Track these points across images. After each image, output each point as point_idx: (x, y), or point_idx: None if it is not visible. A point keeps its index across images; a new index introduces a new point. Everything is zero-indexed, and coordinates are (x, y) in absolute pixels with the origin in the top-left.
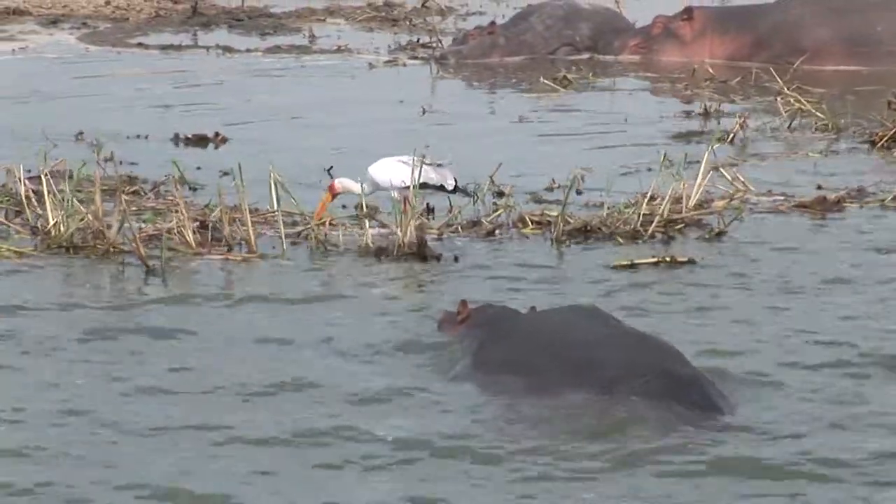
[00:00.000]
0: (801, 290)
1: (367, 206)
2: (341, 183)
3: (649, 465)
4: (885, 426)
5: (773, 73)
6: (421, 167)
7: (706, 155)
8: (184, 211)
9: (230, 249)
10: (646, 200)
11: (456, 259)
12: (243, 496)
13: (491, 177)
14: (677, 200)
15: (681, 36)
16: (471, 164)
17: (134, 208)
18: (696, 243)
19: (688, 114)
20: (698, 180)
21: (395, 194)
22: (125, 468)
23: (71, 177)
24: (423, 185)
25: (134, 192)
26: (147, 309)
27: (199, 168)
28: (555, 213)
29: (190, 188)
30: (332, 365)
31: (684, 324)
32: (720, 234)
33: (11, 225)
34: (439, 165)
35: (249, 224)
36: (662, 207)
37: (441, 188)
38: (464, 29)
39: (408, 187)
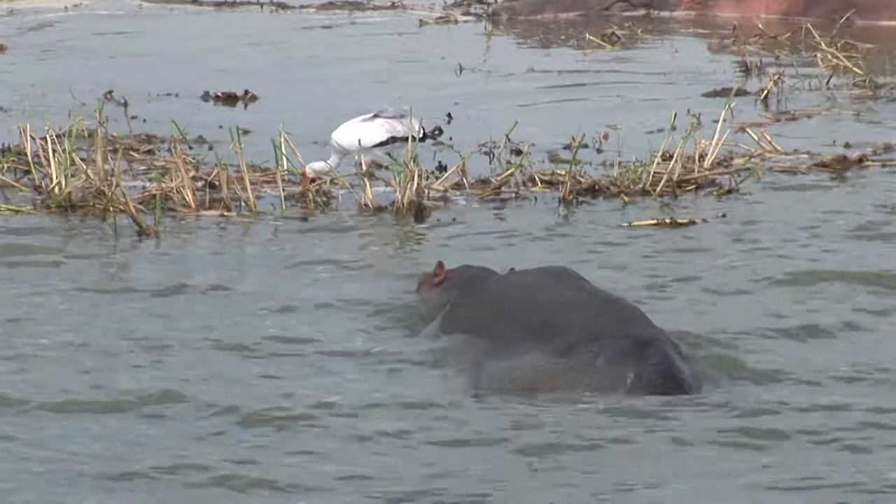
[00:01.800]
0: (794, 255)
1: (368, 165)
2: (311, 168)
3: (601, 429)
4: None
5: (815, 29)
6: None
7: (723, 113)
8: (183, 171)
9: (229, 209)
10: (656, 160)
11: (453, 219)
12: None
13: (507, 135)
14: (694, 160)
15: None
16: (498, 123)
17: (143, 167)
18: (706, 203)
19: (729, 70)
20: (714, 139)
21: (362, 157)
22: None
23: (70, 135)
24: (392, 140)
25: (148, 151)
26: (129, 268)
27: (220, 126)
28: (561, 172)
29: (209, 147)
30: (301, 323)
31: (666, 288)
32: (730, 192)
33: (16, 184)
34: (402, 116)
35: (248, 184)
36: (671, 167)
37: (410, 139)
38: None
39: (379, 145)
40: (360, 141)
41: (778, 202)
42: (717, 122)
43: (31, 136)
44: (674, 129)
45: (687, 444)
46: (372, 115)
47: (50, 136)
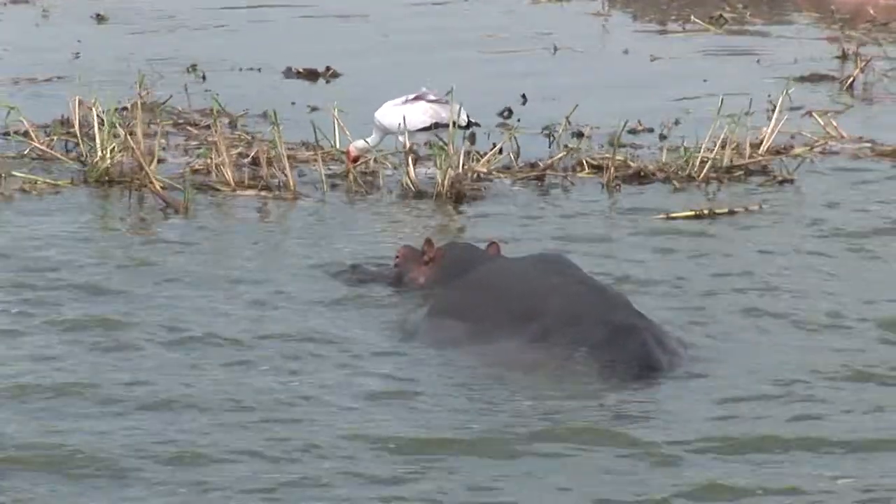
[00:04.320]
0: (829, 253)
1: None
2: (355, 146)
3: (569, 414)
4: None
5: None
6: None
7: (780, 98)
8: (223, 148)
9: (269, 189)
10: (703, 146)
11: (473, 205)
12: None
13: (567, 118)
14: (751, 146)
15: None
16: (576, 104)
17: (196, 143)
18: (754, 191)
19: (826, 56)
20: (771, 125)
21: (402, 138)
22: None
23: (124, 109)
24: (436, 125)
25: (207, 126)
26: (145, 245)
27: (293, 103)
28: (619, 158)
29: (271, 123)
30: (290, 314)
31: (662, 284)
32: (783, 181)
33: (61, 157)
34: (445, 101)
35: (287, 165)
36: (715, 153)
37: (453, 124)
38: None
39: (422, 129)
40: (403, 122)
41: (827, 192)
42: (797, 108)
43: (90, 107)
44: (748, 114)
45: (647, 427)
46: (415, 96)
47: (96, 110)
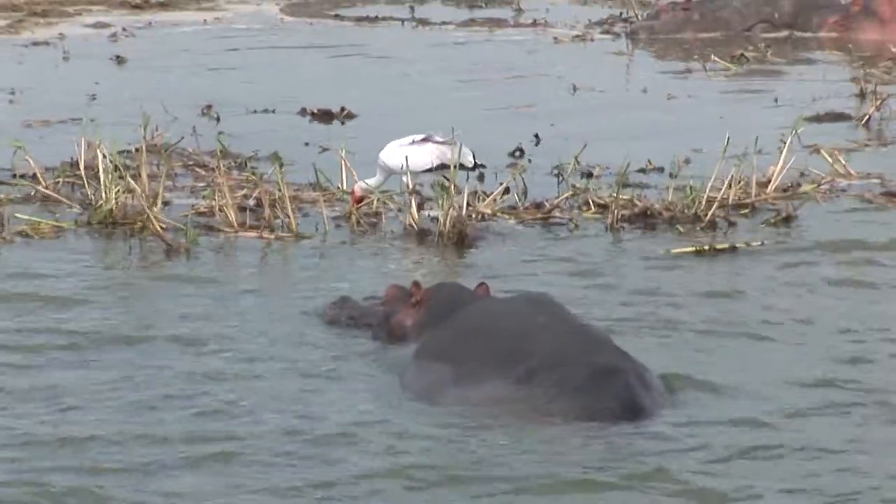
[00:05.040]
0: (828, 291)
1: (414, 186)
2: (360, 187)
3: (550, 457)
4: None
5: None
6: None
7: (789, 138)
8: (226, 190)
9: (272, 230)
10: (709, 185)
11: (476, 248)
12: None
13: (576, 157)
14: (758, 184)
15: (880, 14)
16: (590, 144)
17: (202, 184)
18: (759, 229)
19: (844, 95)
20: (779, 164)
21: (406, 178)
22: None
23: (140, 150)
24: (441, 166)
25: (214, 168)
26: (146, 287)
27: (306, 144)
28: (626, 197)
29: (280, 165)
30: (293, 344)
31: (674, 320)
32: (787, 219)
33: (63, 199)
34: (452, 143)
35: (289, 206)
36: (722, 192)
37: (460, 167)
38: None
39: (427, 170)
40: (407, 163)
41: (830, 229)
42: (810, 146)
43: (98, 150)
44: (756, 153)
45: (640, 476)
46: (422, 137)
47: (101, 152)
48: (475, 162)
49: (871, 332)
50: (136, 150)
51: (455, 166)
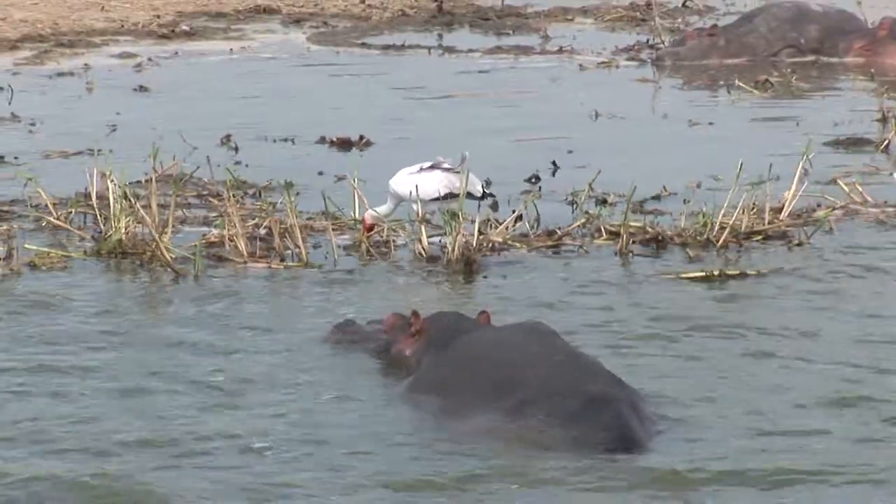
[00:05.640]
0: (837, 318)
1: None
2: (370, 215)
3: (540, 488)
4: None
5: None
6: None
7: (800, 163)
8: (236, 220)
9: (282, 259)
10: (721, 211)
11: (503, 275)
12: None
13: (590, 184)
14: (773, 210)
15: None
16: (607, 171)
17: (215, 214)
18: (770, 256)
19: (866, 120)
20: (792, 190)
21: (416, 206)
22: None
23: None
24: (450, 195)
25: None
26: (153, 316)
27: (321, 173)
28: (637, 224)
29: (294, 194)
30: (282, 368)
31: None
32: (800, 244)
33: (72, 229)
34: (460, 171)
35: (298, 235)
36: (734, 218)
37: (469, 195)
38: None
39: (435, 199)
40: (416, 191)
41: (843, 256)
42: (830, 171)
43: (108, 180)
44: (777, 179)
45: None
46: (430, 165)
47: (111, 182)
48: (484, 191)
49: (880, 359)
50: (146, 180)
51: (463, 195)
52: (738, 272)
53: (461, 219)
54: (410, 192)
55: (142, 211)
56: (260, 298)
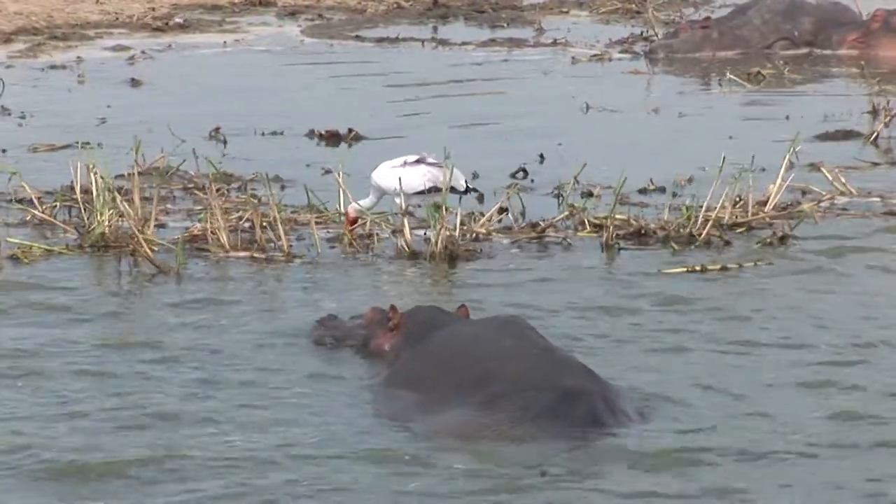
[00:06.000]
0: (820, 311)
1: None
2: (353, 208)
3: (509, 481)
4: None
5: None
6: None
7: (787, 156)
8: (217, 212)
9: (264, 252)
10: (704, 204)
11: (467, 270)
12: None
13: (575, 177)
14: (758, 203)
15: None
16: (596, 164)
17: (200, 207)
18: (753, 249)
19: (856, 113)
20: (777, 182)
21: (398, 200)
22: None
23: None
24: (433, 189)
25: (217, 190)
26: (132, 308)
27: (308, 165)
28: (622, 216)
29: (281, 187)
30: (267, 367)
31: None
32: (783, 238)
33: (57, 223)
34: (444, 166)
35: (280, 227)
36: (717, 211)
37: (452, 189)
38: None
39: (419, 192)
40: (399, 185)
41: (827, 248)
42: (814, 164)
43: (91, 174)
44: (763, 171)
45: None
46: (415, 159)
47: (94, 175)
48: (467, 186)
49: (861, 350)
50: (128, 174)
51: (446, 189)
52: (719, 266)
53: (444, 212)
54: (393, 187)
55: (124, 204)
56: (241, 290)
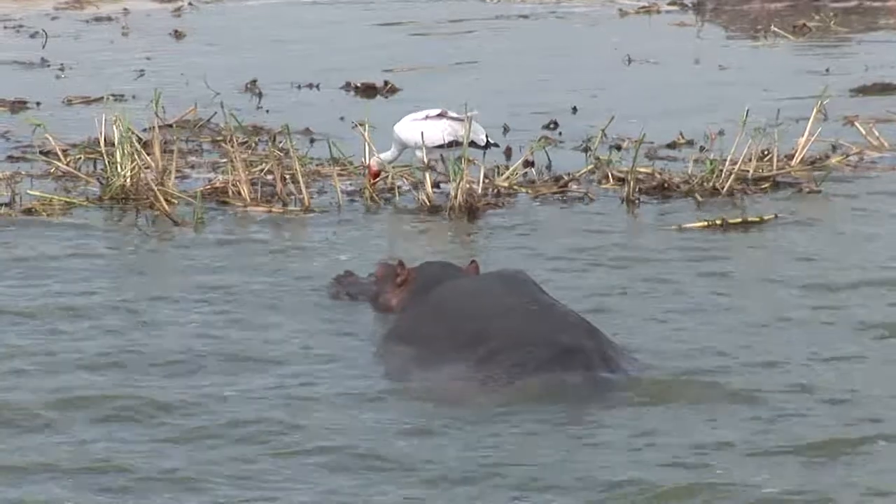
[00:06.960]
0: (816, 265)
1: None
2: (376, 161)
3: (504, 437)
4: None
5: None
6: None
7: (814, 110)
8: (239, 165)
9: (285, 205)
10: (729, 157)
11: (486, 223)
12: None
13: (603, 130)
14: (785, 157)
15: None
16: (631, 116)
17: (224, 160)
18: (777, 202)
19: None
20: (805, 136)
21: (420, 153)
22: None
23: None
24: (454, 143)
25: (243, 143)
26: (149, 261)
27: (342, 118)
28: (647, 170)
29: (310, 140)
30: (265, 325)
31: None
32: (810, 192)
33: (81, 175)
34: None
35: (301, 181)
36: (740, 165)
37: (472, 144)
38: None
39: (439, 146)
40: (421, 138)
41: (853, 203)
42: (851, 117)
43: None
44: (796, 122)
45: (585, 445)
46: (437, 113)
47: (118, 128)
48: (487, 141)
49: (880, 310)
50: (149, 127)
51: (466, 142)
52: (739, 220)
53: (465, 165)
54: (415, 140)
55: (145, 156)
56: (260, 243)
